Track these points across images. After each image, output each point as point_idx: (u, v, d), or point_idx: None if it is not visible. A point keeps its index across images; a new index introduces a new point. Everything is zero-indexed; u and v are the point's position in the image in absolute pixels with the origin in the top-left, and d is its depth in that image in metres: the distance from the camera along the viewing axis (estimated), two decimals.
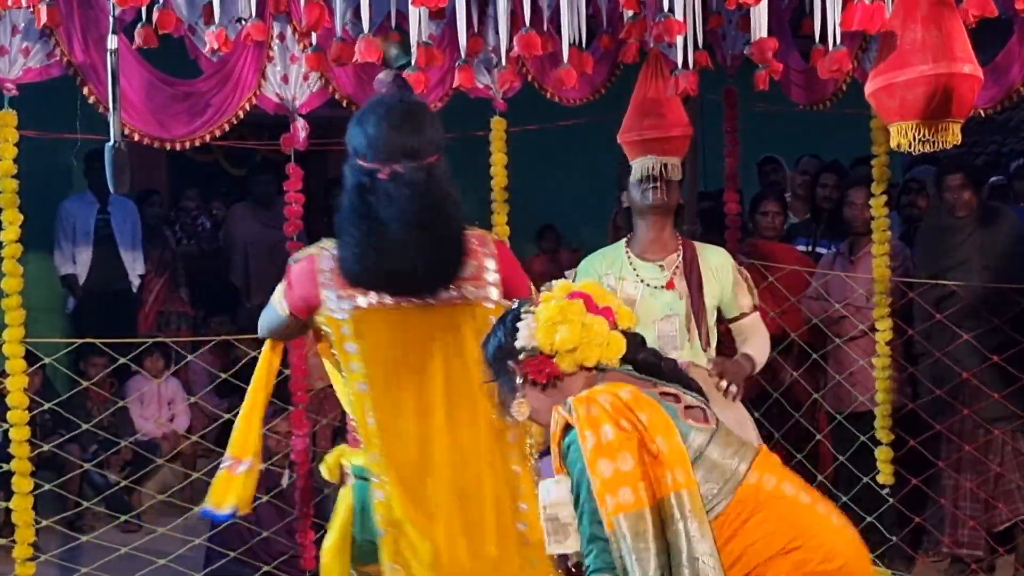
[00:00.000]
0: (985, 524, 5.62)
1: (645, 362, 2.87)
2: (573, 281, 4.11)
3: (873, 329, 5.55)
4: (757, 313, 4.39)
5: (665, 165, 4.66)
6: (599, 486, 2.59)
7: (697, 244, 4.38)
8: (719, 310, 4.36)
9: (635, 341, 2.88)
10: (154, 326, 7.93)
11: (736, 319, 4.37)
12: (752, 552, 2.65)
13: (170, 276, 8.08)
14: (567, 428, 2.69)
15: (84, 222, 7.69)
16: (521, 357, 2.81)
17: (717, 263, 4.32)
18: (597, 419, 2.63)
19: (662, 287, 4.19)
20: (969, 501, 5.61)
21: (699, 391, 2.86)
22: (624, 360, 2.86)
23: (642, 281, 4.21)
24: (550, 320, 2.79)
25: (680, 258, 4.26)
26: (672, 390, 2.79)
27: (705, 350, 4.23)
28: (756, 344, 4.34)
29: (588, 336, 2.78)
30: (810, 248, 6.76)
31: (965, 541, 5.60)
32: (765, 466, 2.73)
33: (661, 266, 4.24)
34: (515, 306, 2.92)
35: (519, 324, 2.83)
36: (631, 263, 4.26)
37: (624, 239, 4.37)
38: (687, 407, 2.76)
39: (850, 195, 5.97)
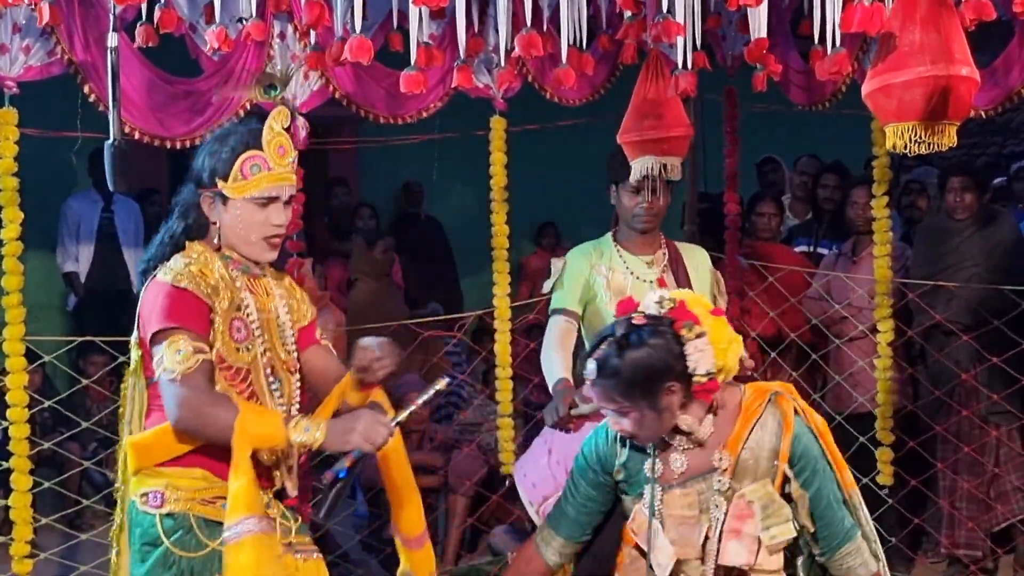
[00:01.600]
0: (983, 525, 5.62)
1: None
2: (562, 270, 4.23)
3: (874, 330, 5.55)
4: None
5: (665, 166, 4.66)
6: (838, 464, 2.96)
7: (677, 243, 4.42)
8: None
9: None
10: None
11: None
12: None
13: None
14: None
15: (88, 220, 7.70)
16: (695, 380, 2.87)
17: (697, 262, 4.37)
18: (808, 411, 2.99)
19: (652, 283, 4.21)
20: (966, 502, 5.61)
21: None
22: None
23: (632, 273, 4.24)
24: (724, 341, 2.91)
25: (666, 256, 4.29)
26: None
27: None
28: None
29: (737, 350, 2.96)
30: (811, 249, 6.77)
31: (963, 542, 5.60)
32: None
33: (649, 263, 4.27)
34: (646, 325, 2.89)
35: (688, 347, 2.86)
36: (620, 256, 4.28)
37: (611, 232, 4.37)
38: None
39: (853, 195, 5.97)
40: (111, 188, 4.32)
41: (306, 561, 3.05)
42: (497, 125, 5.48)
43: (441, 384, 3.08)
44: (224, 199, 2.98)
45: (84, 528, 6.07)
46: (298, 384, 3.08)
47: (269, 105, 4.92)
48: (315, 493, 3.09)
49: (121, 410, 3.07)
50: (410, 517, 3.23)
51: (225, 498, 2.86)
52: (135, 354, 3.01)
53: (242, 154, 2.97)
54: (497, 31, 4.45)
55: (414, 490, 3.24)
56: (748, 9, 3.89)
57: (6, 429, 4.71)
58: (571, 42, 4.15)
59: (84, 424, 5.64)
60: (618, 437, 3.03)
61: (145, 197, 8.12)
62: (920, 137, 3.27)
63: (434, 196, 8.94)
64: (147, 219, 8.02)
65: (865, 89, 3.40)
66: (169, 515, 2.91)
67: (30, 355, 4.77)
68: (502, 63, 4.31)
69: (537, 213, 9.04)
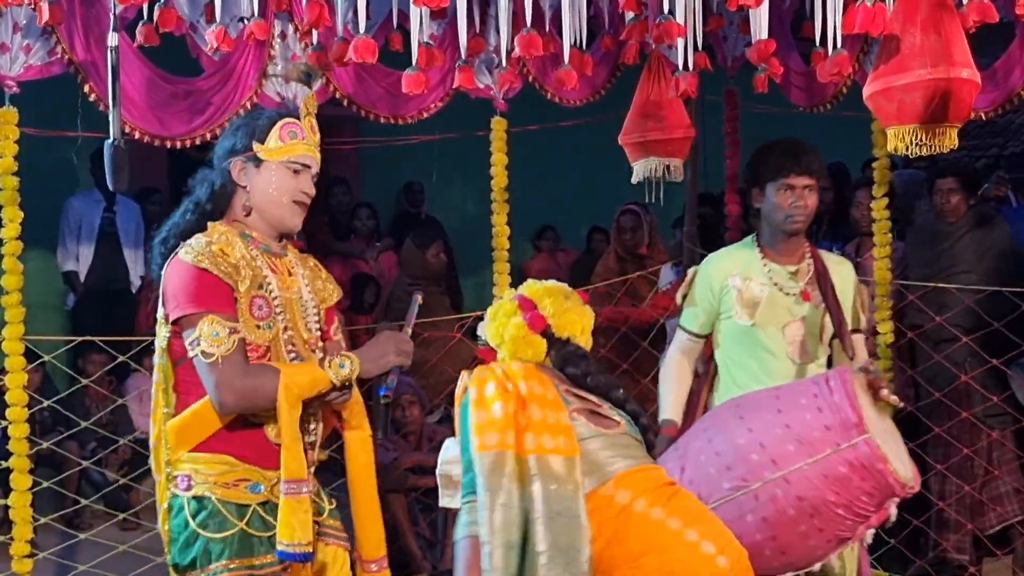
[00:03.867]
0: (976, 528, 5.61)
1: (572, 374, 3.18)
2: (693, 281, 4.08)
3: (875, 331, 5.55)
4: (862, 336, 4.14)
5: (668, 167, 4.67)
6: (472, 429, 3.00)
7: (823, 252, 4.13)
8: None
9: (565, 350, 3.21)
10: (153, 324, 7.92)
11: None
12: (606, 556, 2.93)
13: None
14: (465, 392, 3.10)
15: (89, 220, 7.70)
16: (480, 346, 3.27)
17: (843, 275, 4.08)
18: (484, 379, 3.07)
19: (795, 295, 3.97)
20: (956, 504, 5.60)
21: (633, 413, 3.20)
22: (558, 367, 3.20)
23: (775, 284, 3.97)
24: (491, 316, 3.27)
25: (811, 267, 4.02)
26: (583, 394, 3.15)
27: (851, 357, 3.98)
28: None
29: (514, 334, 3.19)
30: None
31: (952, 545, 5.60)
32: (629, 483, 3.00)
33: (794, 273, 4.00)
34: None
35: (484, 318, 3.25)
36: (764, 264, 4.00)
37: (752, 237, 4.11)
38: (592, 411, 3.11)
39: (857, 196, 5.97)
40: (111, 188, 4.32)
41: (328, 545, 3.14)
42: (498, 125, 5.48)
43: (419, 298, 3.28)
44: (258, 162, 3.06)
45: (83, 527, 6.07)
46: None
47: (270, 103, 4.95)
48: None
49: (156, 388, 3.09)
50: (371, 538, 3.25)
51: (248, 480, 3.00)
52: (162, 332, 3.04)
53: (279, 120, 3.09)
54: (498, 31, 4.45)
55: (377, 511, 3.26)
56: (749, 10, 3.89)
57: (5, 429, 4.71)
58: (572, 43, 4.14)
59: (83, 424, 5.63)
60: None
61: (145, 197, 8.11)
62: (921, 139, 3.27)
63: (434, 196, 8.94)
64: (147, 219, 8.02)
65: (866, 91, 3.41)
66: (195, 498, 2.99)
67: (29, 354, 4.76)
68: (503, 63, 4.32)
69: (537, 213, 9.03)
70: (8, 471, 4.66)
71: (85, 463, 6.03)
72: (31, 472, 4.67)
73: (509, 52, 4.23)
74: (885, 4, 3.41)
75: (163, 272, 3.03)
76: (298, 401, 2.94)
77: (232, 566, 2.95)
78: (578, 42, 4.24)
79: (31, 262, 4.86)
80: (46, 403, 5.26)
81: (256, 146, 3.06)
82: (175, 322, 2.96)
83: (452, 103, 5.24)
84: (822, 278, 3.97)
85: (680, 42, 4.21)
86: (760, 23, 3.93)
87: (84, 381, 5.80)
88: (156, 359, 3.06)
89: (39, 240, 6.79)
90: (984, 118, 5.49)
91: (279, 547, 2.94)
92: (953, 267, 5.66)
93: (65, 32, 4.41)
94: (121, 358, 5.61)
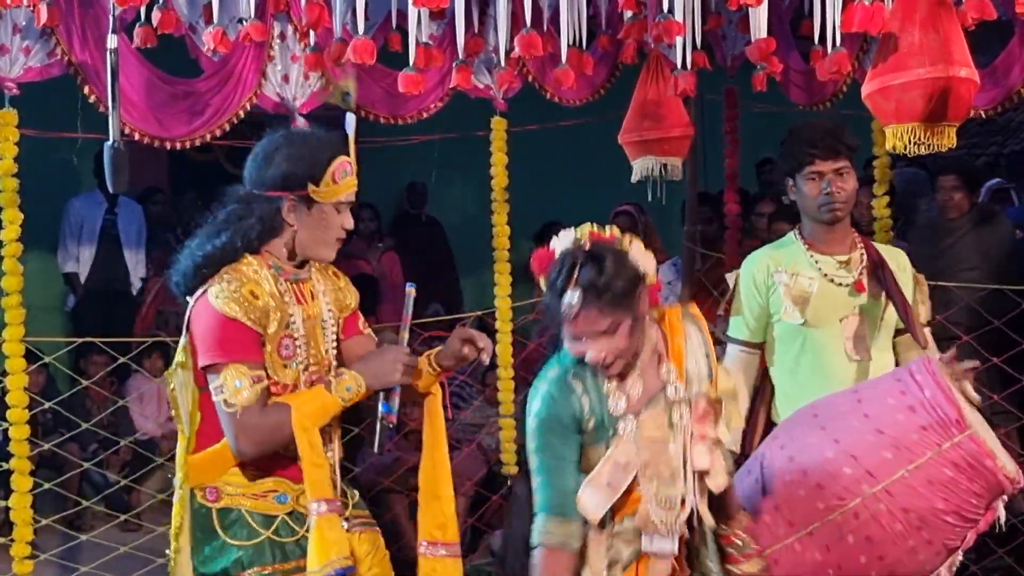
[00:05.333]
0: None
1: None
2: (735, 287, 3.81)
3: None
4: (928, 330, 3.86)
5: (665, 166, 4.66)
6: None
7: (876, 244, 3.88)
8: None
9: None
10: (152, 325, 7.92)
11: (906, 331, 3.79)
12: None
13: (159, 278, 8.08)
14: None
15: (91, 221, 7.70)
16: (648, 282, 2.92)
17: (901, 266, 3.80)
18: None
19: (849, 286, 3.69)
20: None
21: None
22: None
23: (825, 276, 3.70)
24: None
25: (864, 256, 3.75)
26: None
27: (924, 347, 3.72)
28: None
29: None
30: None
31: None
32: None
33: (844, 262, 3.72)
34: (590, 245, 2.90)
35: (632, 253, 2.90)
36: (811, 256, 3.73)
37: (793, 231, 3.85)
38: None
39: (857, 195, 5.97)
40: (110, 189, 4.32)
41: (362, 535, 3.17)
42: (497, 125, 5.48)
43: (411, 291, 3.17)
44: (310, 203, 3.02)
45: (84, 529, 6.07)
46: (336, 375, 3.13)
47: (270, 104, 4.95)
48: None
49: (173, 411, 3.18)
50: (433, 516, 3.27)
51: (275, 491, 3.05)
52: (182, 355, 3.09)
53: (335, 160, 3.02)
54: (497, 31, 4.45)
55: (444, 486, 3.25)
56: (749, 9, 3.89)
57: (6, 430, 4.71)
58: (571, 42, 4.14)
59: (84, 425, 5.63)
60: (575, 389, 2.89)
61: (147, 197, 8.12)
62: (920, 138, 3.26)
63: (434, 196, 8.94)
64: (150, 219, 8.03)
65: (865, 90, 3.40)
66: (224, 508, 3.04)
67: (31, 356, 4.76)
68: (502, 63, 4.31)
69: (537, 213, 9.03)
70: (9, 473, 4.67)
71: (86, 464, 6.02)
72: (32, 474, 4.67)
73: (508, 52, 4.23)
74: (883, 3, 3.41)
75: (192, 306, 3.05)
76: (314, 430, 2.99)
77: (265, 572, 3.01)
78: (577, 42, 4.24)
79: (31, 263, 4.87)
80: (47, 404, 5.26)
81: (311, 187, 3.00)
82: (203, 367, 3.01)
83: (452, 103, 5.25)
84: (879, 267, 3.70)
85: (679, 41, 4.21)
86: (759, 22, 3.93)
87: (85, 382, 5.80)
88: (176, 379, 3.12)
89: (39, 241, 6.79)
90: (984, 116, 5.49)
91: (322, 573, 2.94)
92: (955, 265, 5.66)
93: (64, 33, 4.41)
94: (122, 359, 5.62)
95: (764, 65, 4.19)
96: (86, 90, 4.48)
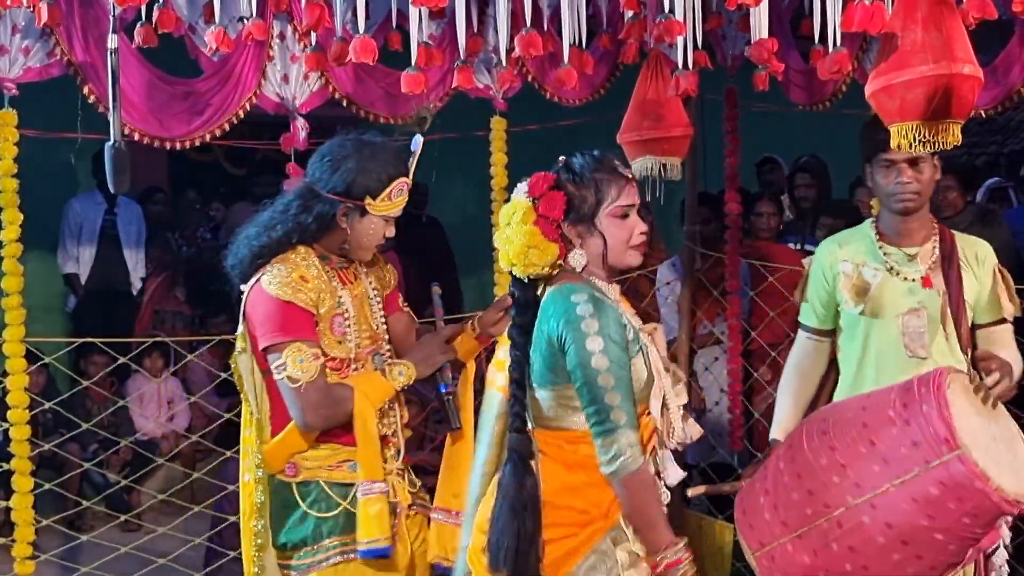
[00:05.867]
0: None
1: None
2: (807, 273, 3.86)
3: None
4: (1011, 327, 3.76)
5: (665, 165, 4.65)
6: None
7: (956, 234, 3.78)
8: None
9: None
10: (150, 325, 7.94)
11: (987, 325, 3.73)
12: None
13: (167, 276, 8.08)
14: None
15: (91, 222, 7.72)
16: None
17: (979, 257, 3.73)
18: None
19: (915, 281, 3.65)
20: None
21: None
22: None
23: (890, 270, 3.67)
24: None
25: (937, 249, 3.69)
26: None
27: (965, 353, 3.66)
28: (1011, 356, 3.58)
29: None
30: (800, 246, 6.79)
31: None
32: None
33: (913, 256, 3.68)
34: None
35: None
36: (880, 248, 3.71)
37: (870, 220, 3.81)
38: None
39: (858, 193, 5.99)
40: (111, 190, 4.32)
41: (417, 515, 3.49)
42: (497, 125, 5.48)
43: (436, 289, 3.61)
44: (363, 213, 3.33)
45: (84, 529, 6.08)
46: (388, 348, 3.48)
47: (270, 105, 4.95)
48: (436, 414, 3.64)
49: (241, 395, 3.42)
50: (454, 485, 3.48)
51: (349, 460, 3.31)
52: (241, 342, 3.36)
53: (395, 179, 3.34)
54: (497, 31, 4.44)
55: (464, 458, 3.46)
56: (748, 9, 3.89)
57: (7, 431, 4.70)
58: (571, 42, 4.14)
59: (84, 425, 5.63)
60: (611, 301, 2.99)
61: (147, 196, 8.13)
62: (924, 136, 3.25)
63: (434, 196, 8.94)
64: (150, 218, 8.04)
65: (868, 89, 3.40)
66: (303, 482, 3.32)
67: (31, 356, 4.76)
68: (502, 63, 4.31)
69: None
70: (10, 473, 4.66)
71: (86, 465, 6.03)
72: (33, 474, 4.67)
73: (508, 52, 4.23)
74: (884, 2, 3.41)
75: (247, 292, 3.33)
76: (373, 415, 3.28)
77: (345, 541, 3.28)
78: (577, 41, 4.24)
79: (31, 264, 4.86)
80: (47, 405, 5.26)
81: (368, 200, 3.31)
82: (264, 350, 3.25)
83: (452, 103, 5.24)
84: (946, 262, 3.64)
85: (679, 41, 4.21)
86: (760, 21, 3.92)
87: (85, 383, 5.80)
88: (241, 365, 3.36)
89: (39, 242, 6.80)
90: (984, 115, 5.49)
91: (359, 547, 3.24)
92: None
93: (64, 33, 4.40)
94: (122, 360, 5.62)
95: (765, 65, 4.19)
96: (86, 90, 4.47)
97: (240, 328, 3.35)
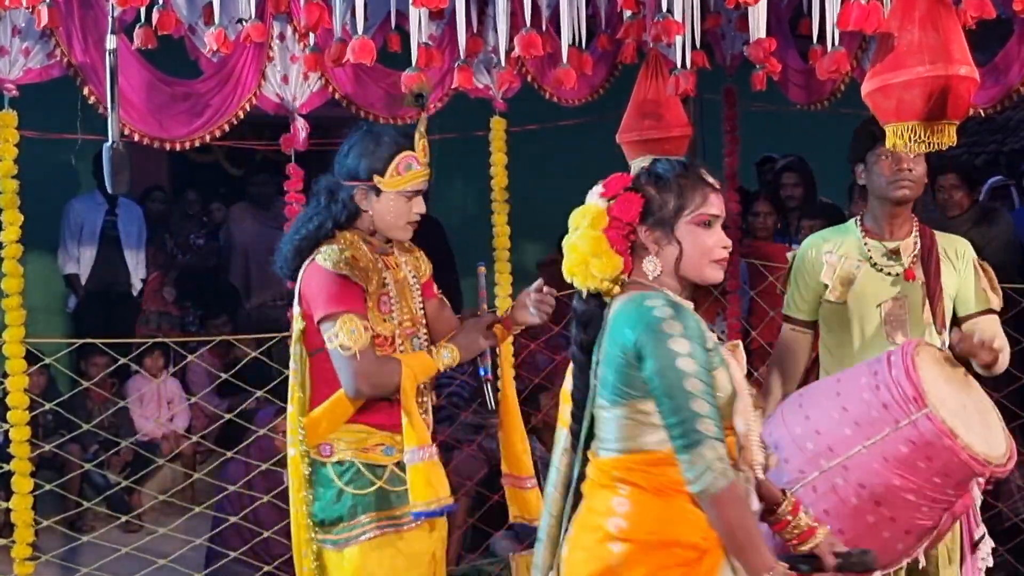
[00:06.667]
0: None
1: None
2: (791, 265, 3.90)
3: None
4: (997, 317, 3.85)
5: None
6: None
7: (936, 232, 3.88)
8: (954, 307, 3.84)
9: None
10: (152, 327, 7.95)
11: (973, 316, 3.82)
12: None
13: (157, 276, 8.09)
14: None
15: (91, 222, 7.71)
16: None
17: (959, 253, 3.84)
18: None
19: (897, 275, 3.74)
20: None
21: None
22: None
23: (873, 263, 3.77)
24: None
25: (917, 243, 3.79)
26: None
27: (940, 332, 3.75)
28: (998, 343, 3.62)
29: None
30: (789, 244, 6.79)
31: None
32: None
33: (896, 251, 3.77)
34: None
35: None
36: (864, 242, 3.80)
37: (856, 217, 3.90)
38: None
39: (857, 193, 5.99)
40: (110, 190, 4.33)
41: None
42: (497, 125, 5.48)
43: (482, 269, 3.81)
44: (378, 192, 3.47)
45: (85, 530, 6.08)
46: (425, 332, 3.61)
47: (269, 105, 4.96)
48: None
49: (294, 373, 3.53)
50: (514, 453, 3.74)
51: (383, 445, 3.46)
52: (297, 325, 3.49)
53: (398, 154, 3.48)
54: (496, 31, 4.45)
55: (516, 428, 3.75)
56: (747, 8, 3.90)
57: (7, 432, 4.71)
58: (571, 42, 4.15)
59: (85, 426, 5.64)
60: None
61: (146, 195, 8.13)
62: (920, 136, 3.27)
63: (434, 196, 8.90)
64: (149, 217, 8.04)
65: (864, 89, 3.40)
66: (338, 462, 3.45)
67: (31, 357, 4.76)
68: (502, 63, 4.32)
69: (537, 214, 9.03)
70: (10, 474, 4.66)
71: (87, 465, 6.03)
72: (33, 475, 4.67)
73: (508, 52, 4.23)
74: (880, 2, 3.42)
75: (301, 274, 3.47)
76: (416, 385, 3.44)
77: (379, 517, 3.40)
78: (576, 41, 4.24)
79: (31, 265, 4.86)
80: (48, 406, 5.26)
81: (376, 178, 3.46)
82: (319, 321, 3.39)
83: (452, 103, 5.25)
84: (927, 253, 3.75)
85: (678, 40, 4.21)
86: (758, 21, 3.93)
87: (86, 383, 5.80)
88: (292, 349, 3.51)
89: (39, 243, 6.79)
90: (983, 115, 5.50)
91: (414, 510, 3.36)
92: None
93: (64, 35, 4.41)
94: (123, 360, 5.62)
95: (764, 64, 4.20)
96: (86, 91, 4.48)
97: (296, 310, 3.49)
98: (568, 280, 2.80)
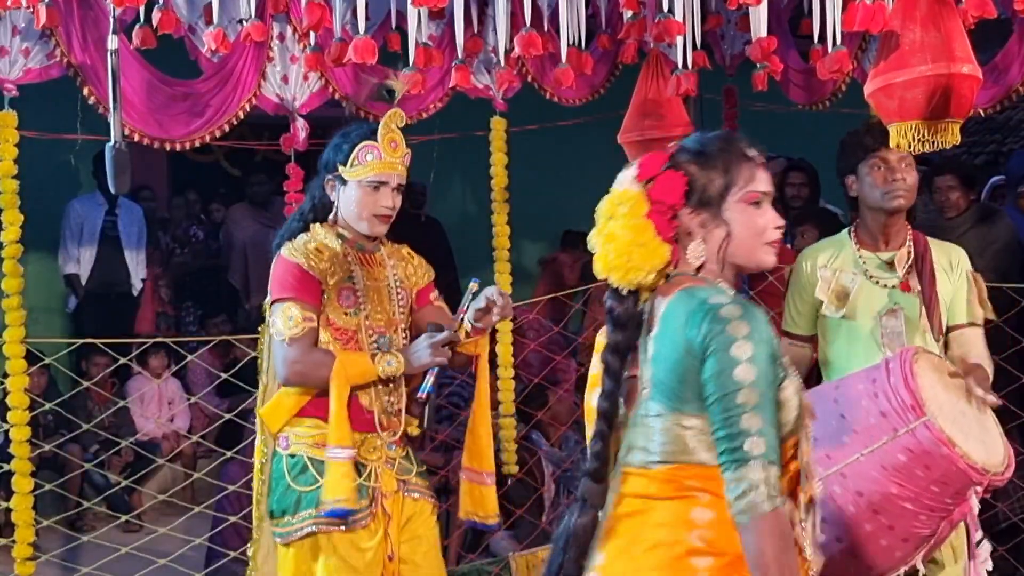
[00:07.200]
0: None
1: None
2: (789, 279, 3.87)
3: None
4: (982, 330, 3.82)
5: None
6: None
7: (930, 240, 3.84)
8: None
9: None
10: (152, 326, 7.96)
11: (957, 328, 3.79)
12: None
13: (153, 277, 8.09)
14: None
15: (91, 222, 7.71)
16: None
17: (953, 263, 3.79)
18: None
19: (893, 287, 3.71)
20: None
21: None
22: None
23: (868, 275, 3.73)
24: None
25: (911, 254, 3.76)
26: None
27: (937, 340, 3.72)
28: (982, 358, 3.69)
29: None
30: (788, 244, 6.80)
31: None
32: None
33: (891, 262, 3.74)
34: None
35: None
36: (859, 254, 3.76)
37: (850, 227, 3.86)
38: None
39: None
40: (112, 190, 4.32)
41: (416, 501, 3.55)
42: (497, 125, 5.48)
43: (473, 286, 3.57)
44: (343, 181, 3.49)
45: (85, 530, 6.08)
46: (404, 337, 3.56)
47: (269, 105, 4.96)
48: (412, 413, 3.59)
49: (260, 362, 3.60)
50: (477, 447, 3.66)
51: None
52: (267, 315, 3.51)
53: (359, 144, 3.48)
54: (496, 31, 4.45)
55: (483, 423, 3.67)
56: (748, 8, 3.90)
57: (7, 432, 4.71)
58: (570, 42, 4.14)
59: (85, 426, 5.64)
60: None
61: (134, 194, 8.12)
62: (923, 135, 3.26)
63: (434, 196, 8.94)
64: (146, 215, 8.04)
65: (867, 88, 3.41)
66: (291, 455, 3.45)
67: (32, 357, 4.76)
68: (501, 63, 4.32)
69: (537, 214, 9.03)
70: (10, 474, 4.66)
71: (87, 465, 6.03)
72: (33, 475, 4.67)
73: (508, 52, 4.23)
74: (885, 2, 3.42)
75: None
76: (346, 385, 3.37)
77: (318, 514, 3.37)
78: (576, 41, 4.24)
79: (32, 265, 4.87)
80: (48, 406, 5.26)
81: (340, 168, 3.49)
82: (269, 306, 3.44)
83: (451, 103, 5.25)
84: (921, 262, 3.72)
85: (679, 40, 4.21)
86: (759, 21, 3.93)
87: (86, 384, 5.80)
88: (266, 337, 3.54)
89: (40, 243, 6.79)
90: (983, 114, 5.50)
91: (323, 507, 3.33)
92: None
93: (64, 35, 4.41)
94: (123, 360, 5.62)
95: (765, 64, 4.20)
96: (86, 91, 4.48)
97: (267, 300, 3.52)
98: (603, 277, 2.46)
